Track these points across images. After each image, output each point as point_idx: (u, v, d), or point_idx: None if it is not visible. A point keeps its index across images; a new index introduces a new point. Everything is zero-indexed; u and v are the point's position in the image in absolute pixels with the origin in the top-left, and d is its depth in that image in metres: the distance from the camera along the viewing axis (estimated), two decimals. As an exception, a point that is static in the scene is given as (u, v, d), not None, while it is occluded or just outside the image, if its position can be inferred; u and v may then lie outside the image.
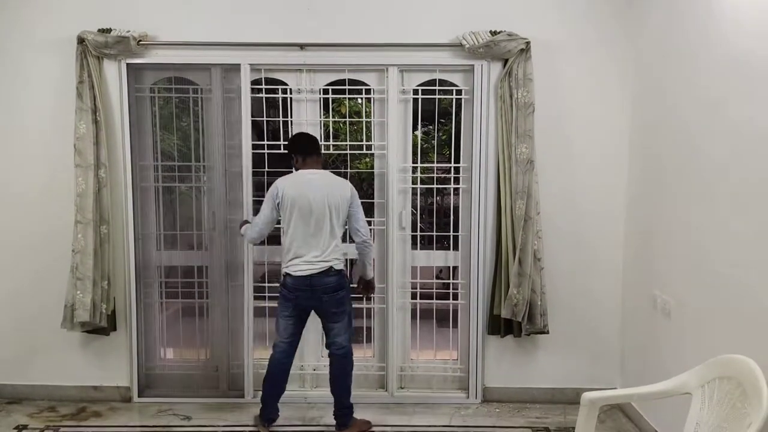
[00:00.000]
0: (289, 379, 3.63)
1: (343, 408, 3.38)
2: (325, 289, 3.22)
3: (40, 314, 3.70)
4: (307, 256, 3.22)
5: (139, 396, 3.79)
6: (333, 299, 3.25)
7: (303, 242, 3.22)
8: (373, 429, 3.45)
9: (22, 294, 3.73)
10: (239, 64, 3.60)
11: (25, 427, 3.47)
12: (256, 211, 3.44)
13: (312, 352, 3.83)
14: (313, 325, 3.75)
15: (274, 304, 3.79)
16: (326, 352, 3.42)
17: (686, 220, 2.94)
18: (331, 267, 3.23)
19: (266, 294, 3.83)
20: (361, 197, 3.34)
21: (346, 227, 3.36)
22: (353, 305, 3.45)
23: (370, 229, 3.73)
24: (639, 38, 3.49)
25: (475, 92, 3.62)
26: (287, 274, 3.27)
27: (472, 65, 3.59)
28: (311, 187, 3.21)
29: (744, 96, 2.49)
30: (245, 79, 3.60)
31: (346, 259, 3.39)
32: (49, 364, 3.78)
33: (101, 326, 3.57)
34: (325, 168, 3.40)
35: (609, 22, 3.57)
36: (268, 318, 3.83)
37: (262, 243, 3.63)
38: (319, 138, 3.56)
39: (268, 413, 3.41)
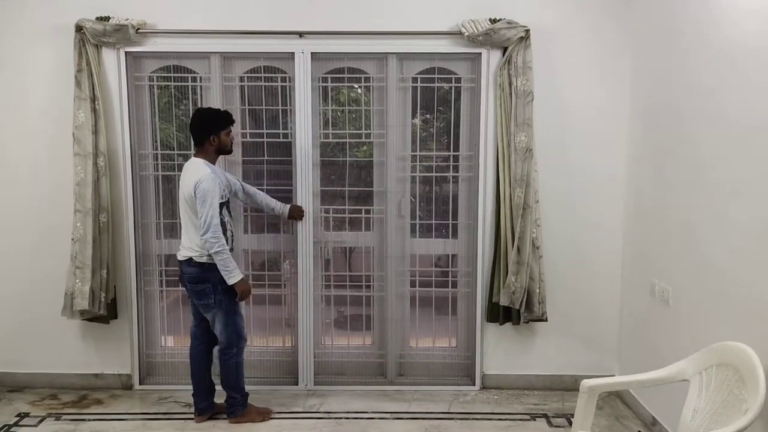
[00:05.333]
0: (287, 367, 3.66)
1: (229, 398, 3.36)
2: (188, 278, 3.23)
3: (41, 302, 3.70)
4: (181, 242, 3.26)
5: (140, 383, 3.81)
6: (193, 290, 3.23)
7: (182, 228, 3.28)
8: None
9: (22, 282, 3.73)
10: (238, 52, 3.62)
11: (27, 414, 3.49)
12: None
13: (312, 340, 3.83)
14: (313, 313, 3.78)
15: (273, 291, 3.84)
16: (324, 339, 3.43)
17: (685, 208, 2.95)
18: (191, 258, 3.19)
19: (265, 282, 3.84)
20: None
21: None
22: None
23: (365, 218, 3.74)
24: (637, 26, 3.48)
25: (475, 80, 3.63)
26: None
27: (472, 53, 3.58)
28: (183, 175, 3.23)
29: (738, 85, 2.50)
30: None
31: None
32: (50, 352, 3.79)
33: (101, 314, 3.58)
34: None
35: (608, 11, 3.56)
36: (268, 305, 3.85)
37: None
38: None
39: (197, 403, 3.39)
